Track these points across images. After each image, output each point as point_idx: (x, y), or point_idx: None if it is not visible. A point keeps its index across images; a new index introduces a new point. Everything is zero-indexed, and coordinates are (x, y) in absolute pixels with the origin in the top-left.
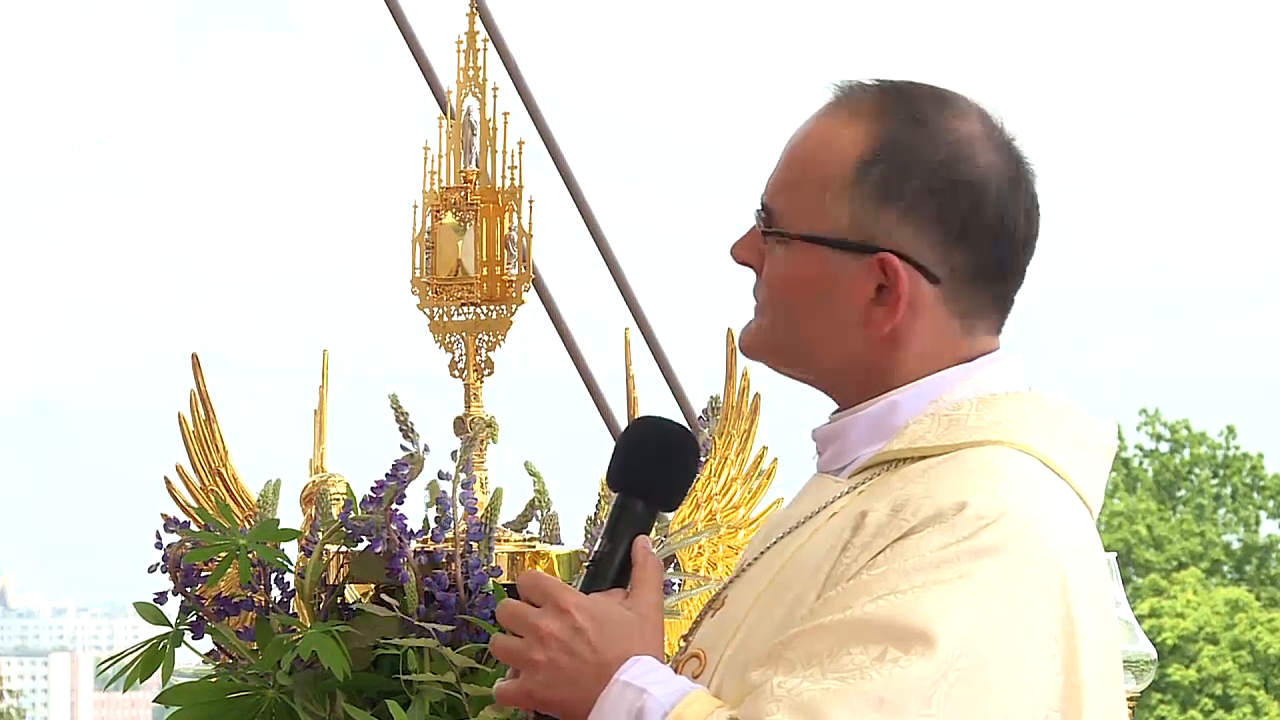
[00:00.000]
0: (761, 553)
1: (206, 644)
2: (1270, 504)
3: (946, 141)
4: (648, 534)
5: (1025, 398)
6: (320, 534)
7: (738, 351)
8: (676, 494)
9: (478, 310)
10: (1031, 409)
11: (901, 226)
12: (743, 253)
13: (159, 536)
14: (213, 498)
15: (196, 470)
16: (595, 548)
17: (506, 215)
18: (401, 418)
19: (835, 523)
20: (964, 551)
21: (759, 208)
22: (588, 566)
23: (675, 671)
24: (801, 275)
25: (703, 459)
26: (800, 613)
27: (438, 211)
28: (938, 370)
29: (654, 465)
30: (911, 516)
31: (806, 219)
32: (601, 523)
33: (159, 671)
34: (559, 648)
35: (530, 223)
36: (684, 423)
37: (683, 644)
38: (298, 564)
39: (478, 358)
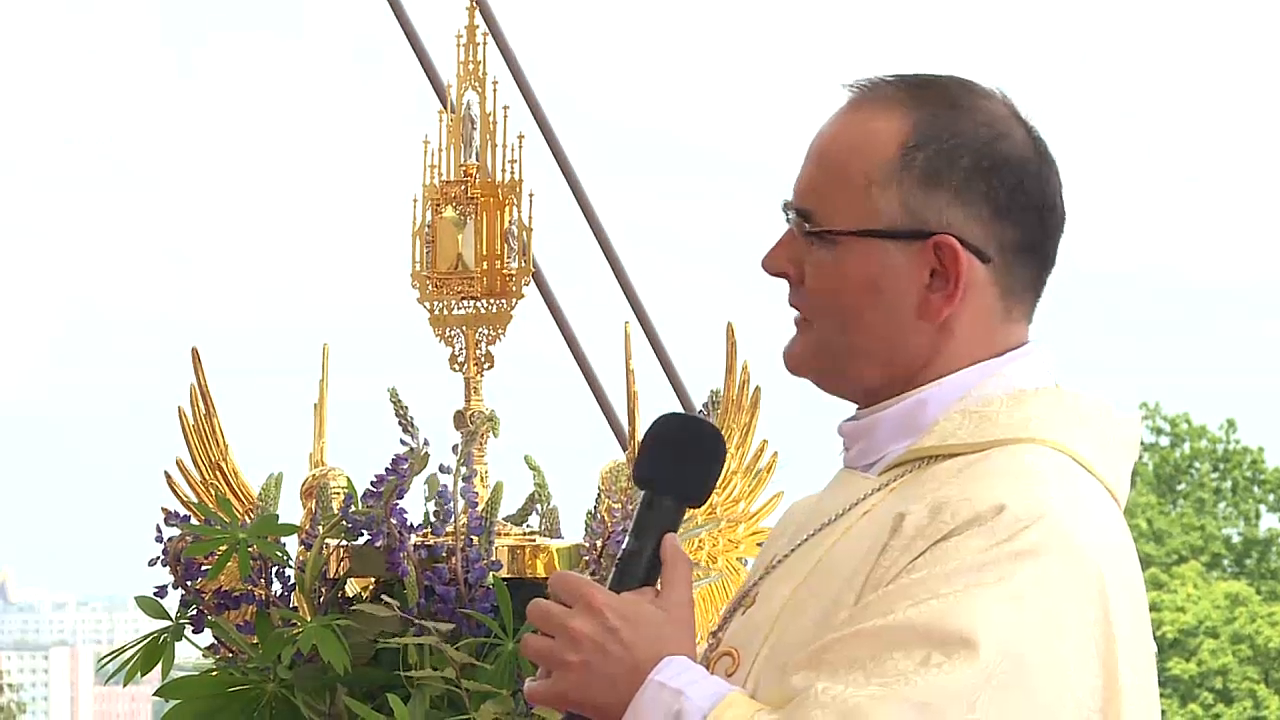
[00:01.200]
0: (792, 549)
1: (207, 638)
2: (1270, 498)
3: (984, 121)
4: (675, 531)
5: (1055, 394)
6: (320, 528)
7: (737, 345)
8: (705, 490)
9: (478, 304)
10: (1061, 406)
11: (952, 208)
12: (778, 263)
13: (159, 531)
14: (213, 492)
15: (197, 465)
16: (623, 546)
17: (506, 209)
18: (401, 412)
19: (869, 522)
20: (1004, 554)
21: (793, 213)
22: (616, 565)
23: (708, 669)
24: (854, 273)
25: None
26: (839, 615)
27: (438, 205)
28: (973, 363)
29: (682, 461)
30: (950, 519)
31: (853, 214)
32: (600, 516)
33: (159, 665)
34: (592, 648)
35: (530, 217)
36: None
37: (713, 640)
38: (298, 558)
39: (478, 351)
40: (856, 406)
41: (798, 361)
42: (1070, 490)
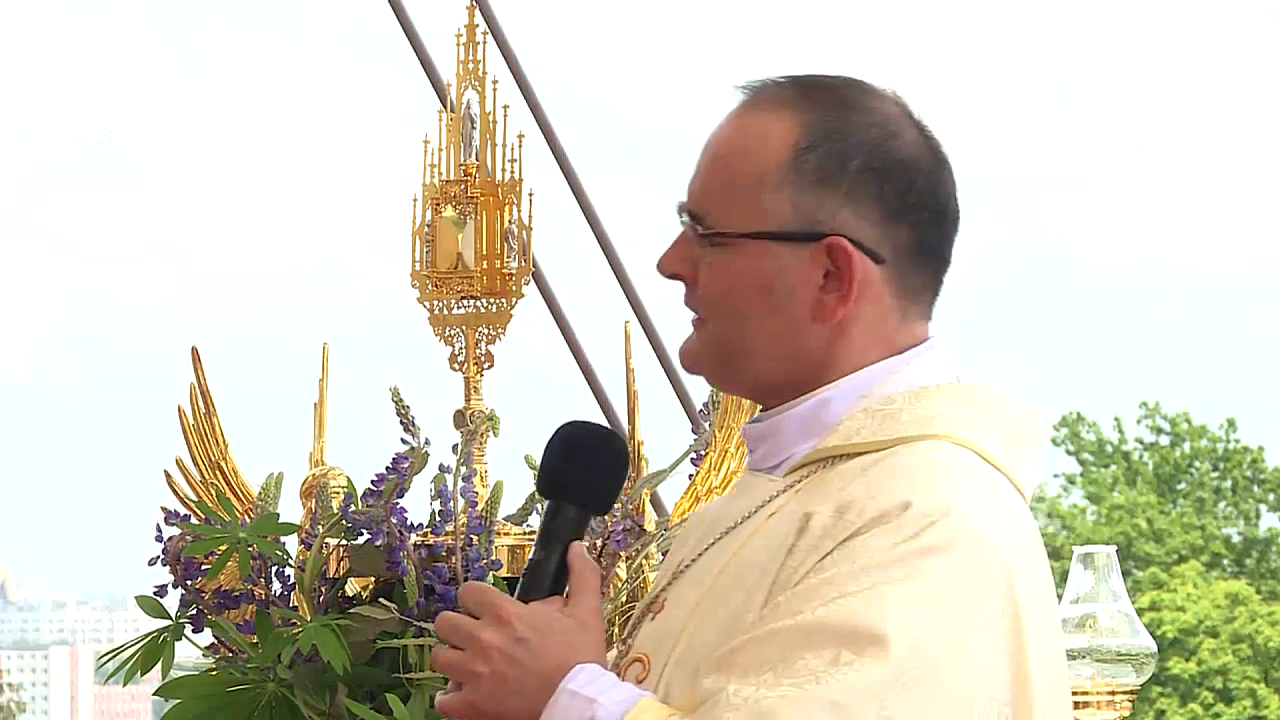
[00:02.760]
0: (699, 554)
1: (206, 637)
2: (1270, 497)
3: (875, 122)
4: (581, 539)
5: (956, 390)
6: (320, 527)
7: None
8: (608, 497)
9: (477, 303)
10: (964, 401)
11: (844, 209)
12: (672, 264)
13: (159, 530)
14: (213, 491)
15: (196, 463)
16: (530, 556)
17: (506, 208)
18: (402, 410)
19: (775, 523)
20: (911, 551)
21: (686, 215)
22: (523, 575)
23: (618, 676)
24: (747, 275)
25: (701, 453)
26: (748, 617)
27: (438, 205)
28: (872, 362)
29: (584, 470)
30: (857, 518)
31: (745, 217)
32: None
33: (159, 665)
34: (501, 658)
35: (530, 216)
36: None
37: (622, 647)
38: (298, 557)
39: (477, 351)
40: (761, 408)
41: (691, 360)
42: (975, 485)
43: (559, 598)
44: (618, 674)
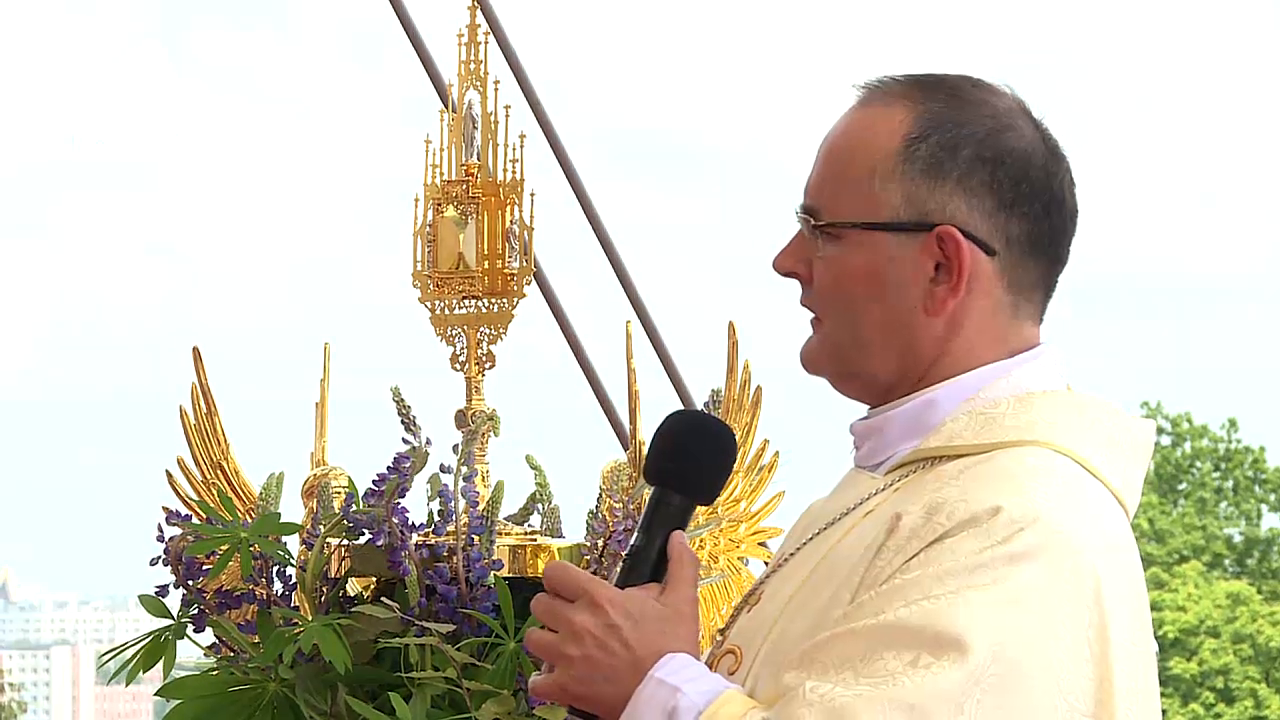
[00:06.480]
0: (798, 548)
1: (208, 637)
2: (1272, 497)
3: (988, 114)
4: (684, 528)
5: (1063, 397)
6: (322, 527)
7: (739, 344)
8: (714, 487)
9: (479, 303)
10: (1069, 408)
11: (955, 199)
12: (788, 262)
13: (161, 530)
14: (214, 491)
15: (198, 463)
16: (631, 542)
17: (508, 208)
18: (404, 410)
19: (870, 522)
20: (998, 557)
21: (802, 211)
22: (623, 560)
23: (711, 667)
24: (859, 267)
25: None
26: (834, 613)
27: (439, 205)
28: (983, 362)
29: (693, 459)
30: (946, 520)
31: (857, 208)
32: (602, 515)
33: (160, 664)
34: (594, 643)
35: (531, 216)
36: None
37: (719, 638)
38: (299, 557)
39: (479, 351)
40: (867, 408)
41: (810, 359)
42: (1068, 492)
43: (656, 585)
44: (711, 665)
